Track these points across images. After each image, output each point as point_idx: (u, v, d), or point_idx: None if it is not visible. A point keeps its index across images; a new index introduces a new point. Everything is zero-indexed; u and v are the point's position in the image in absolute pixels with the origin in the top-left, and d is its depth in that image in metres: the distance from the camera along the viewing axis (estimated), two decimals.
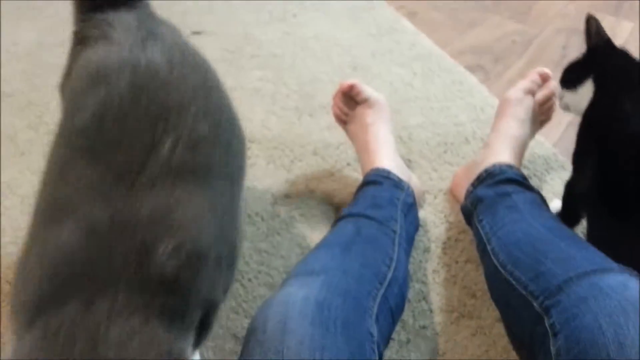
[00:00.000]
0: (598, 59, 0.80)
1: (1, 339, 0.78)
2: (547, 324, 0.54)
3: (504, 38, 1.44)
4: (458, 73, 1.27)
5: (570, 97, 0.83)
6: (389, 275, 0.64)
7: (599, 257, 0.61)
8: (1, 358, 0.74)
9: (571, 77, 0.84)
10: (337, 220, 0.77)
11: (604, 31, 0.80)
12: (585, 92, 0.79)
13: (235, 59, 1.32)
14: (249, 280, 0.83)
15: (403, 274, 0.68)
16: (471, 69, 1.30)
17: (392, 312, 0.61)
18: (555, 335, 0.52)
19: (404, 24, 1.46)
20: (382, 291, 0.61)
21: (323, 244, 0.68)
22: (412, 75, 1.27)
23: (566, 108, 0.86)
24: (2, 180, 1.00)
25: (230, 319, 0.79)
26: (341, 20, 1.49)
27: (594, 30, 0.80)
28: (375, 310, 0.57)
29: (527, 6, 1.57)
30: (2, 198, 0.97)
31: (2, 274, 0.85)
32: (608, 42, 0.80)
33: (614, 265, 0.58)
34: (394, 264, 0.66)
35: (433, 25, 1.48)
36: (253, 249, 0.88)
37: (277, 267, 0.85)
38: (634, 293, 0.51)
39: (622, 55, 0.79)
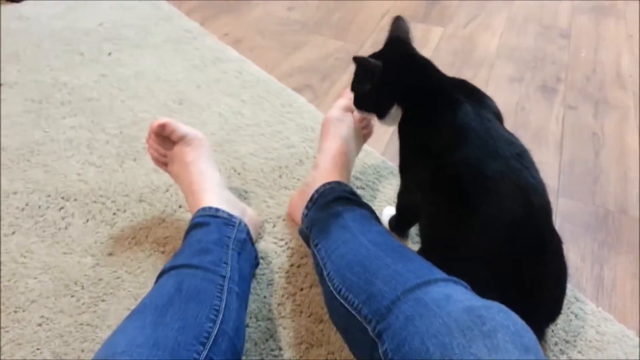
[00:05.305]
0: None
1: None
2: (380, 351, 0.52)
3: (328, 56, 1.48)
4: (286, 95, 1.28)
5: None
6: (215, 330, 0.58)
7: (423, 268, 0.60)
8: None
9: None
10: (159, 275, 0.70)
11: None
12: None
13: (42, 108, 1.18)
14: None
15: (234, 324, 0.63)
16: (299, 89, 1.32)
17: None
18: None
19: (229, 52, 1.44)
20: (205, 353, 0.55)
21: (136, 310, 0.61)
22: (241, 104, 1.24)
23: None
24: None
25: None
26: (162, 54, 1.42)
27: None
28: None
29: (346, 24, 1.65)
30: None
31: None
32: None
33: (438, 275, 0.58)
34: (220, 316, 0.61)
35: (259, 51, 1.48)
36: (73, 324, 0.77)
37: (103, 341, 0.75)
38: (458, 306, 0.50)
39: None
